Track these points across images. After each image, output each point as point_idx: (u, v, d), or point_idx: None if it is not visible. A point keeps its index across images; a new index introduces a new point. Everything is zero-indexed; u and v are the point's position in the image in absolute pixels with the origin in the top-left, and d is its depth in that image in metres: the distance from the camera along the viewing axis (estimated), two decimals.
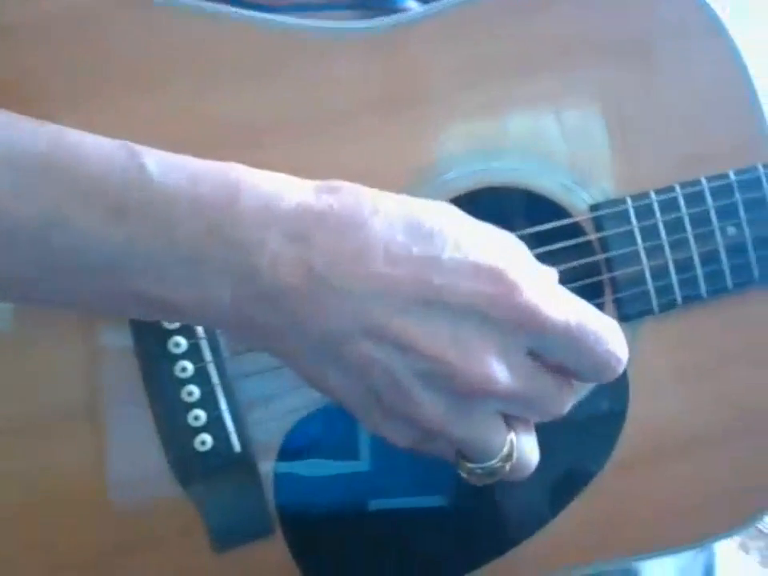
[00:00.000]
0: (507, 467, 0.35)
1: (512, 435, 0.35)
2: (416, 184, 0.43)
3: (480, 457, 0.35)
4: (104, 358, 0.41)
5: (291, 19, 0.42)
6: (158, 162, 0.33)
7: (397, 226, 0.33)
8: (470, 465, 0.35)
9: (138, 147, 0.33)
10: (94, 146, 0.33)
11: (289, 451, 0.43)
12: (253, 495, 0.43)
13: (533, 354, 0.34)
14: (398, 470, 0.44)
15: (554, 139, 0.46)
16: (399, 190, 0.40)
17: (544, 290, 0.33)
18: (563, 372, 0.36)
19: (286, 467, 0.43)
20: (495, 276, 0.32)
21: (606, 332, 0.34)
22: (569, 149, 0.46)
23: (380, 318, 0.32)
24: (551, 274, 0.37)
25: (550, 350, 0.34)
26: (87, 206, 0.32)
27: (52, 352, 0.40)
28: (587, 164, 0.46)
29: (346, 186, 0.34)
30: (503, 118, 0.45)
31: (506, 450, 0.35)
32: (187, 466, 0.42)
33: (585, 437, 0.46)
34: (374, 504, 0.44)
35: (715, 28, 0.47)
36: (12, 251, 0.32)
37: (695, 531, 0.47)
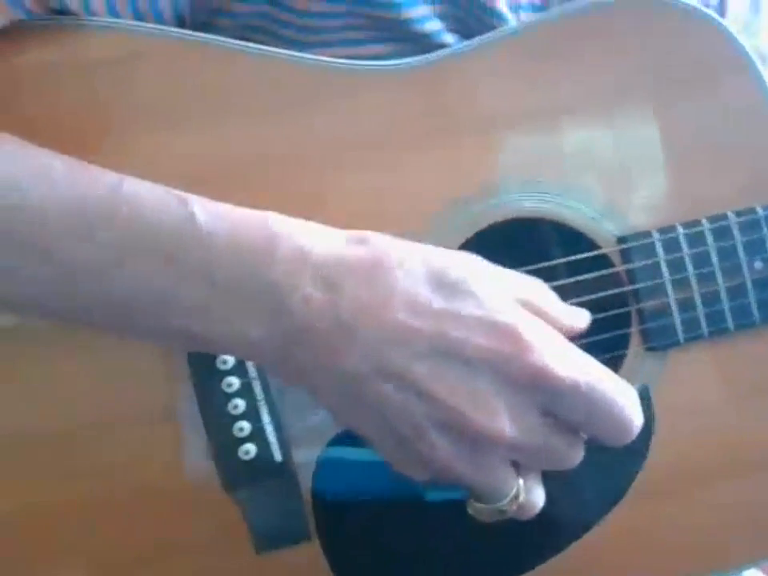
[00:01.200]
0: (514, 508, 0.38)
1: (520, 480, 0.38)
2: (449, 214, 0.46)
3: (488, 499, 0.38)
4: (164, 370, 0.46)
5: (321, 57, 0.45)
6: (205, 211, 0.36)
7: (420, 278, 0.36)
8: (477, 505, 0.38)
9: (187, 196, 0.37)
10: (149, 195, 0.37)
11: (326, 463, 0.46)
12: (292, 502, 0.46)
13: (546, 412, 0.36)
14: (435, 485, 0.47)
15: (585, 170, 0.48)
16: (432, 218, 0.43)
17: (558, 351, 0.35)
18: (575, 429, 0.37)
19: (323, 477, 0.46)
20: (510, 335, 0.35)
21: (620, 397, 0.36)
22: (599, 180, 0.48)
23: (398, 364, 0.35)
24: (582, 316, 0.39)
25: (561, 409, 0.36)
26: (142, 252, 0.36)
27: (132, 355, 0.44)
28: (616, 196, 0.48)
29: (374, 237, 0.37)
30: (537, 149, 0.47)
31: (513, 493, 0.37)
32: (232, 472, 0.45)
33: (609, 464, 0.48)
34: (407, 515, 0.47)
35: (744, 63, 0.48)
36: (72, 288, 0.36)
37: (716, 560, 0.48)
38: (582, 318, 0.41)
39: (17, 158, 0.37)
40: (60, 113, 0.44)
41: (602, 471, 0.48)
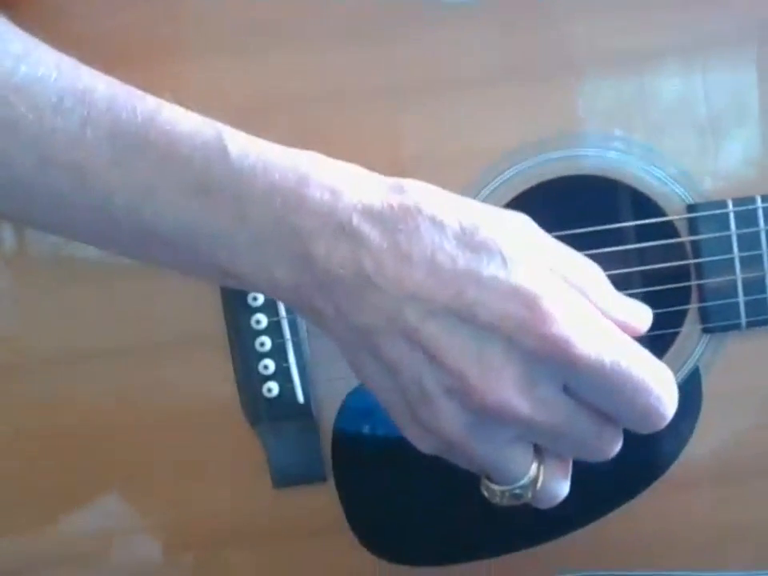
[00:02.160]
0: (529, 494, 0.36)
1: (539, 464, 0.36)
2: (520, 156, 0.43)
3: (500, 479, 0.36)
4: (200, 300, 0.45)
5: None
6: (239, 146, 0.35)
7: (449, 233, 0.33)
8: (490, 484, 0.36)
9: (222, 129, 0.35)
10: (185, 124, 0.35)
11: (348, 410, 0.46)
12: (311, 444, 0.46)
13: (569, 390, 0.34)
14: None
15: (667, 127, 0.43)
16: (502, 158, 0.41)
17: (583, 324, 0.32)
18: (607, 415, 0.34)
19: (343, 424, 0.46)
20: (530, 301, 0.32)
21: (652, 381, 0.33)
22: (680, 139, 0.43)
23: (413, 320, 0.33)
24: (641, 314, 0.35)
25: (583, 389, 0.33)
26: (174, 180, 0.35)
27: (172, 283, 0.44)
28: (695, 158, 0.43)
29: (412, 186, 0.35)
30: (621, 99, 0.43)
31: (529, 477, 0.35)
32: (255, 408, 0.45)
33: (646, 445, 0.45)
34: (424, 465, 0.46)
35: None
36: (108, 215, 0.36)
37: (738, 560, 0.45)
38: (640, 317, 0.36)
39: (66, 77, 0.36)
40: (110, 33, 0.43)
41: (638, 451, 0.46)
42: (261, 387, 0.45)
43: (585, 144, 0.43)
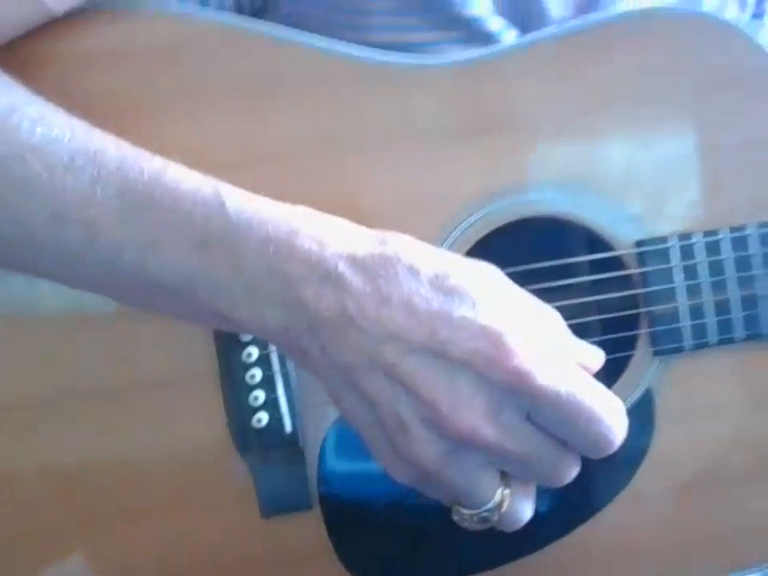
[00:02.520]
0: (496, 517, 0.39)
1: (505, 490, 0.39)
2: (478, 206, 0.48)
3: (469, 503, 0.39)
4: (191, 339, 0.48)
5: (368, 48, 0.47)
6: (236, 202, 0.39)
7: (424, 280, 0.37)
8: (461, 509, 0.39)
9: (222, 186, 0.39)
10: (188, 182, 0.39)
11: (334, 438, 0.48)
12: (298, 472, 0.49)
13: (531, 419, 0.37)
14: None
15: (614, 175, 0.49)
16: (462, 209, 0.45)
17: (543, 360, 0.36)
18: (564, 444, 0.38)
19: (329, 452, 0.49)
20: (496, 339, 0.36)
21: (603, 411, 0.37)
22: (626, 185, 0.48)
23: (391, 357, 0.37)
24: (594, 355, 0.39)
25: (542, 418, 0.37)
26: (177, 235, 0.38)
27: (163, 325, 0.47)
28: (642, 201, 0.49)
29: (393, 238, 0.39)
30: (569, 152, 0.48)
31: (495, 501, 0.39)
32: (244, 438, 0.48)
33: (606, 463, 0.49)
34: (406, 496, 0.49)
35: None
36: (116, 269, 0.39)
37: (699, 569, 0.49)
38: (593, 358, 0.40)
39: (78, 139, 0.40)
40: (110, 93, 0.46)
41: (599, 469, 0.49)
42: (251, 418, 0.48)
43: (540, 190, 0.48)
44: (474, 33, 0.50)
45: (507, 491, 0.39)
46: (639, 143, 0.49)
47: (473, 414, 0.36)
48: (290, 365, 0.48)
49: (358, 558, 0.49)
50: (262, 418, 0.48)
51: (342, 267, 0.37)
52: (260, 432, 0.48)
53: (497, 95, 0.48)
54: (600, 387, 0.38)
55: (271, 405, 0.48)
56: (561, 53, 0.48)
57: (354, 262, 0.38)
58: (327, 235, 0.38)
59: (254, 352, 0.48)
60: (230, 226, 0.38)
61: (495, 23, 0.50)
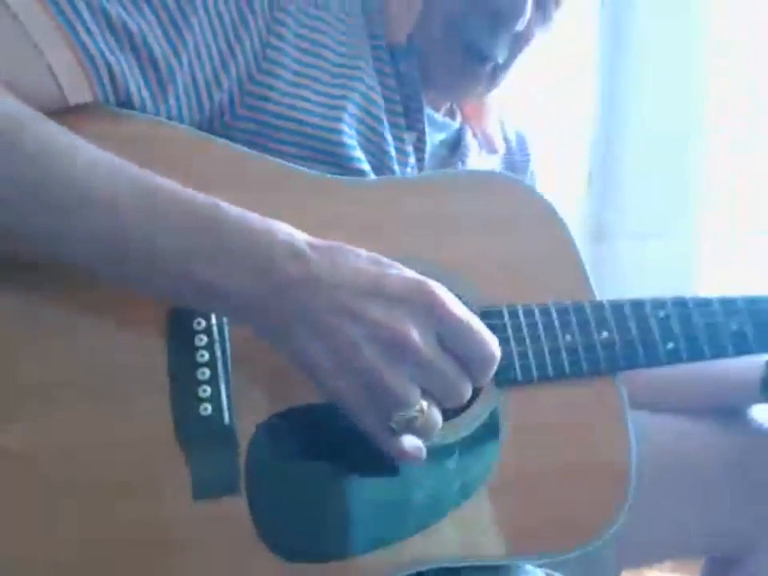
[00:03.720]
0: (422, 420, 0.54)
1: (423, 401, 0.55)
2: None
3: (401, 403, 0.53)
4: (144, 344, 0.59)
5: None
6: (226, 205, 0.55)
7: (363, 258, 0.56)
8: (396, 413, 0.54)
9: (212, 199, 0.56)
10: (184, 192, 0.55)
11: (264, 430, 0.60)
12: (229, 458, 0.58)
13: (440, 343, 0.55)
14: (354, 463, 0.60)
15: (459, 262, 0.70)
16: None
17: (453, 298, 0.55)
18: (463, 364, 0.55)
19: (259, 442, 0.59)
20: (421, 282, 0.54)
21: (489, 336, 0.56)
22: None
23: (344, 299, 0.53)
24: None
25: (450, 339, 0.54)
26: (176, 219, 0.54)
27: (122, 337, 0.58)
28: (478, 284, 0.70)
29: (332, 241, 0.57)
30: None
31: (420, 405, 0.54)
32: (189, 426, 0.58)
33: (467, 467, 0.65)
34: (326, 485, 0.60)
35: (555, 221, 0.75)
36: (119, 251, 0.54)
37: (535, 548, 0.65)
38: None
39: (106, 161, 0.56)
40: None
41: (460, 469, 0.65)
42: (198, 407, 0.58)
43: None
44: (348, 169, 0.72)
45: (425, 402, 0.54)
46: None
47: (406, 327, 0.52)
48: (232, 366, 0.60)
49: (280, 539, 0.58)
50: (207, 407, 0.58)
51: (306, 248, 0.54)
52: (204, 420, 0.58)
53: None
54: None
55: (215, 398, 0.59)
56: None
57: (314, 246, 0.55)
58: (295, 231, 0.56)
59: (205, 354, 0.60)
60: (222, 216, 0.54)
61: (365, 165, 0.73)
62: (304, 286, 0.53)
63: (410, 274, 0.55)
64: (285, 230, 0.55)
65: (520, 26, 0.73)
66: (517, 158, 0.96)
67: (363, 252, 0.56)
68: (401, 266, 0.56)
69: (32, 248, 0.55)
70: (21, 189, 0.52)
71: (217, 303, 0.56)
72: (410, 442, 0.55)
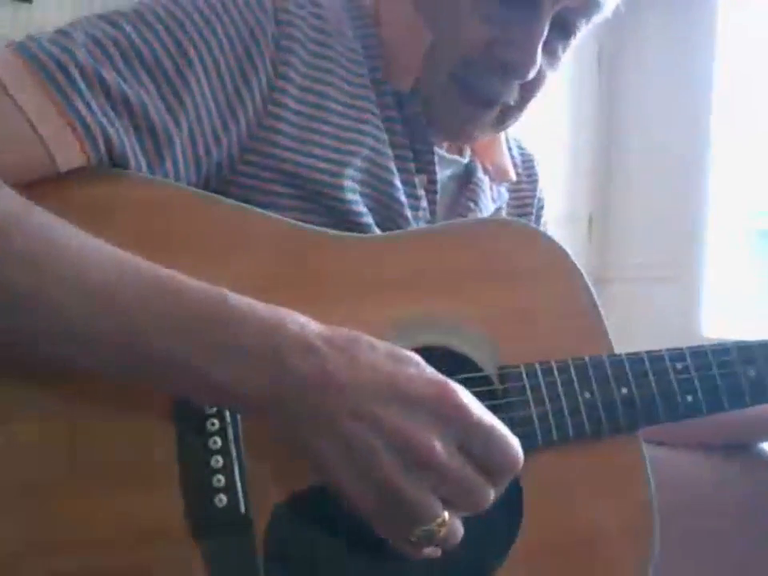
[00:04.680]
0: (441, 534, 0.51)
1: (446, 513, 0.51)
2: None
3: (420, 517, 0.50)
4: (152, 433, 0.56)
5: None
6: (236, 297, 0.51)
7: (381, 352, 0.52)
8: (414, 528, 0.51)
9: (224, 290, 0.52)
10: (195, 283, 0.52)
11: (281, 514, 0.57)
12: (247, 548, 0.56)
13: (461, 450, 0.51)
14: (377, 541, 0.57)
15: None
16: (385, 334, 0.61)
17: (475, 402, 0.52)
18: (484, 471, 0.52)
19: (277, 528, 0.57)
20: (442, 384, 0.51)
21: (511, 438, 0.53)
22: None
23: (362, 404, 0.50)
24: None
25: (473, 446, 0.51)
26: (185, 316, 0.51)
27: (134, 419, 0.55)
28: (496, 340, 0.68)
29: (349, 330, 0.53)
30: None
31: (440, 519, 0.51)
32: (206, 519, 0.55)
33: (485, 536, 0.63)
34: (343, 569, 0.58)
35: (571, 270, 0.73)
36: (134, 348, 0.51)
37: None
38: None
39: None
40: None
41: (481, 541, 0.63)
42: (213, 499, 0.55)
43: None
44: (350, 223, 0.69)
45: (446, 513, 0.51)
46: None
47: (429, 438, 0.49)
48: (245, 453, 0.57)
49: None
50: (223, 498, 0.56)
51: (320, 343, 0.51)
52: (220, 511, 0.55)
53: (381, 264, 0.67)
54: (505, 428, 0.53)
55: (230, 487, 0.56)
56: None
57: (328, 339, 0.51)
58: (307, 322, 0.52)
59: (218, 440, 0.57)
60: (229, 310, 0.51)
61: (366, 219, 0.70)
62: (320, 387, 0.50)
63: (431, 373, 0.52)
64: (297, 321, 0.52)
65: (532, 75, 0.70)
66: (524, 185, 0.93)
67: (380, 345, 0.53)
68: (420, 360, 0.53)
69: (33, 352, 0.52)
70: (16, 292, 0.49)
71: (231, 403, 0.54)
72: (429, 549, 0.53)
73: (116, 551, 0.54)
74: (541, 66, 0.72)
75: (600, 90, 2.70)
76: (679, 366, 0.72)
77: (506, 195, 0.89)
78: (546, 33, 0.70)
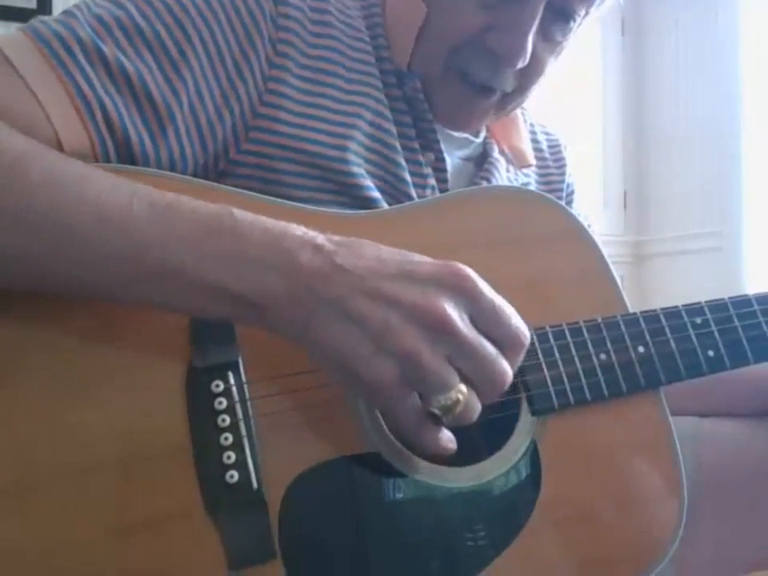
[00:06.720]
0: (462, 403, 0.51)
1: (461, 385, 0.52)
2: None
3: (440, 385, 0.51)
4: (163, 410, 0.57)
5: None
6: (241, 212, 0.53)
7: (385, 248, 0.54)
8: (437, 396, 0.51)
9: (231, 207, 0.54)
10: (201, 202, 0.54)
11: (295, 490, 0.57)
12: (261, 524, 0.56)
13: (472, 321, 0.52)
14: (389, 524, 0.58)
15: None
16: None
17: (485, 282, 0.53)
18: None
19: (290, 504, 0.57)
20: (448, 264, 0.52)
21: (519, 319, 0.54)
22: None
23: (374, 284, 0.51)
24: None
25: (482, 319, 0.52)
26: (194, 229, 0.53)
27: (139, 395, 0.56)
28: None
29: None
30: None
31: (461, 387, 0.51)
32: (217, 495, 0.55)
33: (506, 507, 0.62)
34: (358, 545, 0.58)
35: (584, 237, 0.71)
36: (140, 260, 0.52)
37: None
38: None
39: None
40: None
41: (501, 509, 0.62)
42: (224, 475, 0.56)
43: None
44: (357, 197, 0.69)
45: (464, 386, 0.52)
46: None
47: (442, 306, 0.50)
48: (256, 428, 0.58)
49: None
50: (234, 475, 0.56)
51: (327, 243, 0.53)
52: (231, 487, 0.56)
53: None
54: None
55: (241, 464, 0.57)
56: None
57: (334, 241, 0.53)
58: (307, 229, 0.54)
59: (227, 418, 0.57)
60: (236, 222, 0.53)
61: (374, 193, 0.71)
62: (331, 276, 0.51)
63: (436, 260, 0.53)
64: (299, 227, 0.54)
65: (521, 64, 0.70)
66: (552, 170, 0.92)
67: (384, 246, 0.54)
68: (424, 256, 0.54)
69: (47, 275, 0.53)
70: (32, 216, 0.51)
71: (245, 312, 0.53)
72: (445, 433, 0.53)
73: (132, 539, 0.54)
74: (539, 53, 0.71)
75: (624, 61, 2.66)
76: (698, 320, 0.70)
77: (525, 180, 0.88)
78: (537, 21, 0.69)
